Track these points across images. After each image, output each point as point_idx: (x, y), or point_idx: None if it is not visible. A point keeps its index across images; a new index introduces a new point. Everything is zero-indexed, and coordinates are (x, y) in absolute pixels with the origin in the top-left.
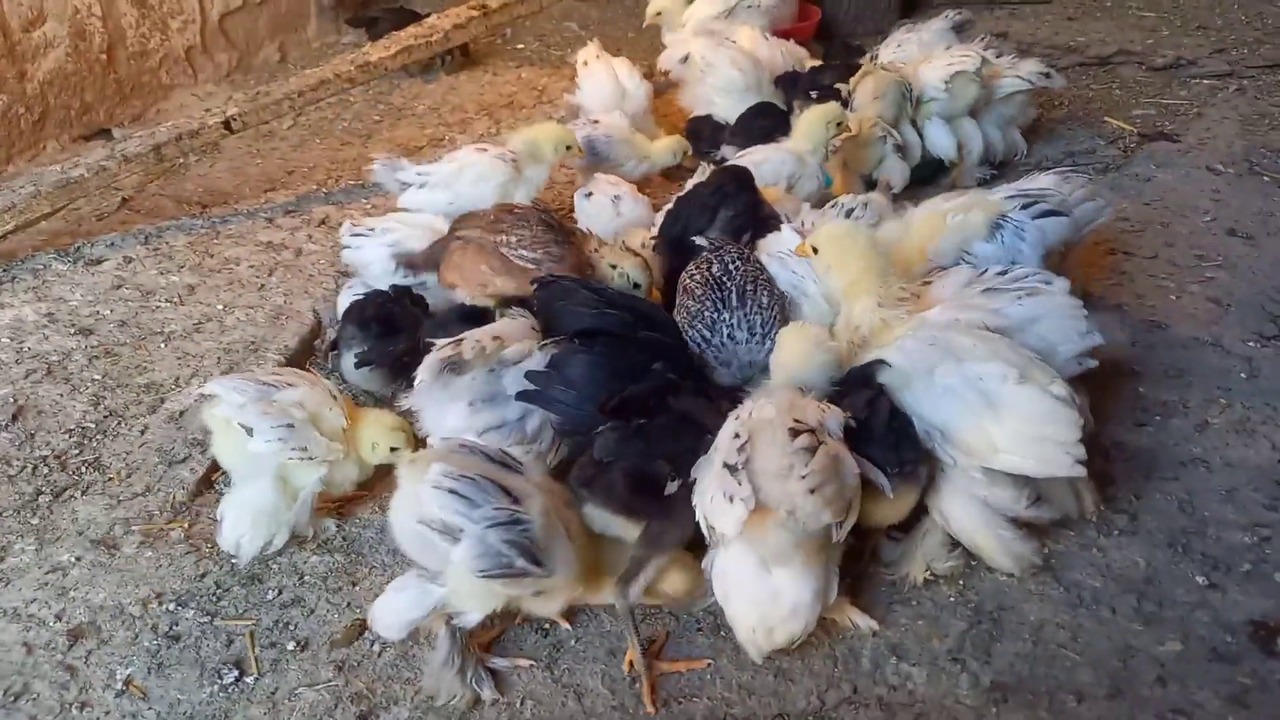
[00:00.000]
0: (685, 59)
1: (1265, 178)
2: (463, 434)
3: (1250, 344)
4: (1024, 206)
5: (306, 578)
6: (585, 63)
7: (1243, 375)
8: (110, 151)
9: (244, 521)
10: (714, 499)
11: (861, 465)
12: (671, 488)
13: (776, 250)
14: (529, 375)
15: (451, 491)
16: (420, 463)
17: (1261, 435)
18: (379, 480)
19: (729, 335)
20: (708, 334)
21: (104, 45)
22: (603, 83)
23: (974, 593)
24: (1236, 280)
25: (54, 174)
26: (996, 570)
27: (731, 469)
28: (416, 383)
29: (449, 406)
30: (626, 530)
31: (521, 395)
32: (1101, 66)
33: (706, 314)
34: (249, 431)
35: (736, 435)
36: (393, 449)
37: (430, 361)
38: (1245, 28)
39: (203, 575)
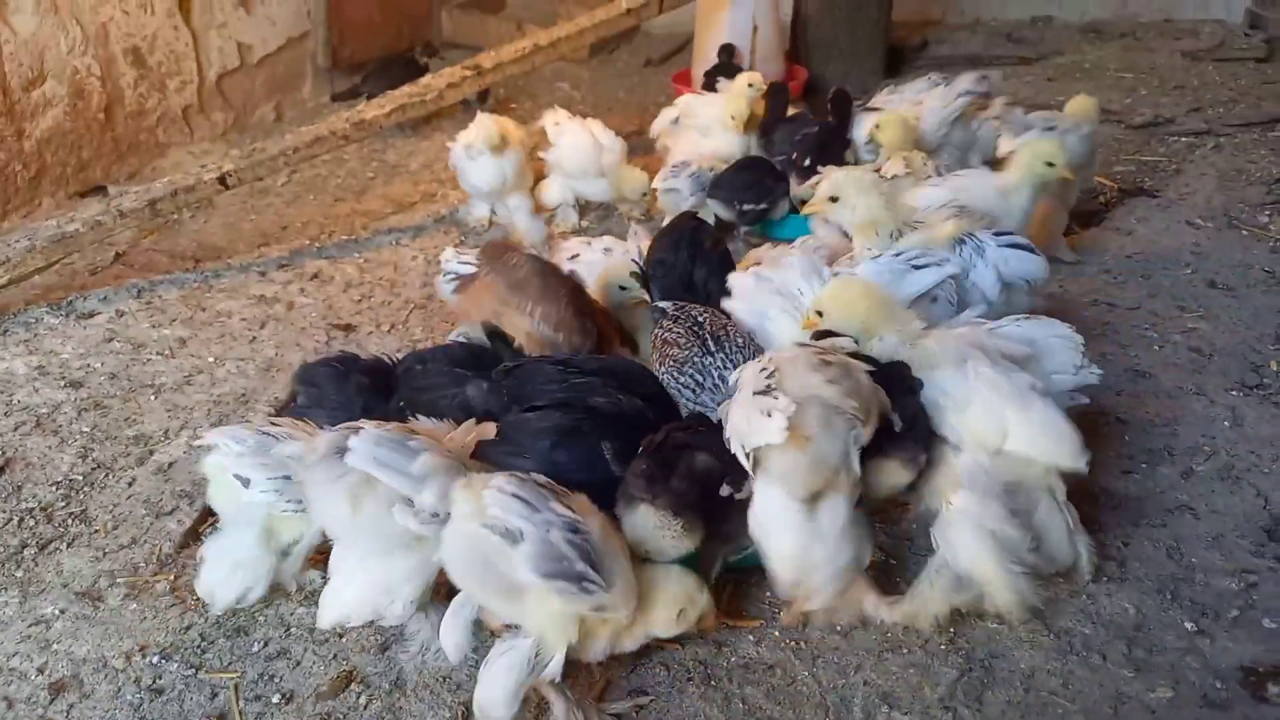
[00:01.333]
0: (676, 120)
1: (1244, 231)
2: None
3: (1234, 393)
4: (995, 234)
5: (293, 629)
6: (556, 123)
7: (1226, 424)
8: (106, 206)
9: (222, 569)
10: (750, 420)
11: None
12: (726, 490)
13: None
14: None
15: (514, 495)
16: (475, 482)
17: (1247, 483)
18: None
19: (719, 377)
20: (699, 378)
21: (102, 104)
22: (579, 139)
23: (965, 640)
24: (1218, 331)
25: (49, 229)
26: (988, 618)
27: (763, 392)
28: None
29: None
30: (673, 538)
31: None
32: None
33: (695, 359)
34: (244, 482)
35: (763, 369)
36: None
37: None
38: (1220, 88)
39: (187, 628)
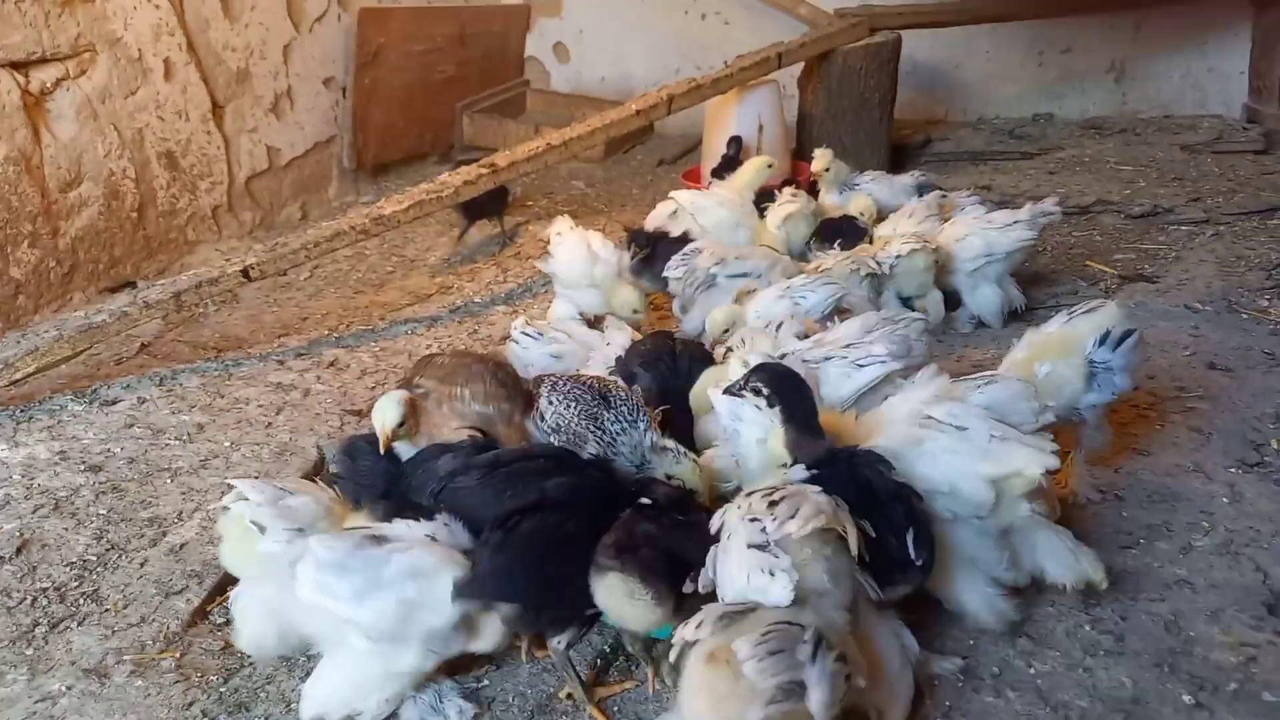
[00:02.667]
0: (674, 213)
1: (1244, 315)
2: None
3: (1233, 470)
4: None
5: (293, 705)
6: (558, 233)
7: (1225, 500)
8: (132, 298)
9: (254, 619)
10: (752, 579)
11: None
12: (689, 586)
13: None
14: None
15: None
16: (720, 656)
17: (1245, 557)
18: None
19: (619, 431)
20: (614, 438)
21: (135, 204)
22: (574, 251)
23: (962, 714)
24: (1218, 410)
25: (77, 319)
26: (984, 690)
27: (759, 547)
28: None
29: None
30: (644, 608)
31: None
32: (1082, 215)
33: (598, 422)
34: (260, 529)
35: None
36: None
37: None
38: (1219, 179)
39: (190, 704)
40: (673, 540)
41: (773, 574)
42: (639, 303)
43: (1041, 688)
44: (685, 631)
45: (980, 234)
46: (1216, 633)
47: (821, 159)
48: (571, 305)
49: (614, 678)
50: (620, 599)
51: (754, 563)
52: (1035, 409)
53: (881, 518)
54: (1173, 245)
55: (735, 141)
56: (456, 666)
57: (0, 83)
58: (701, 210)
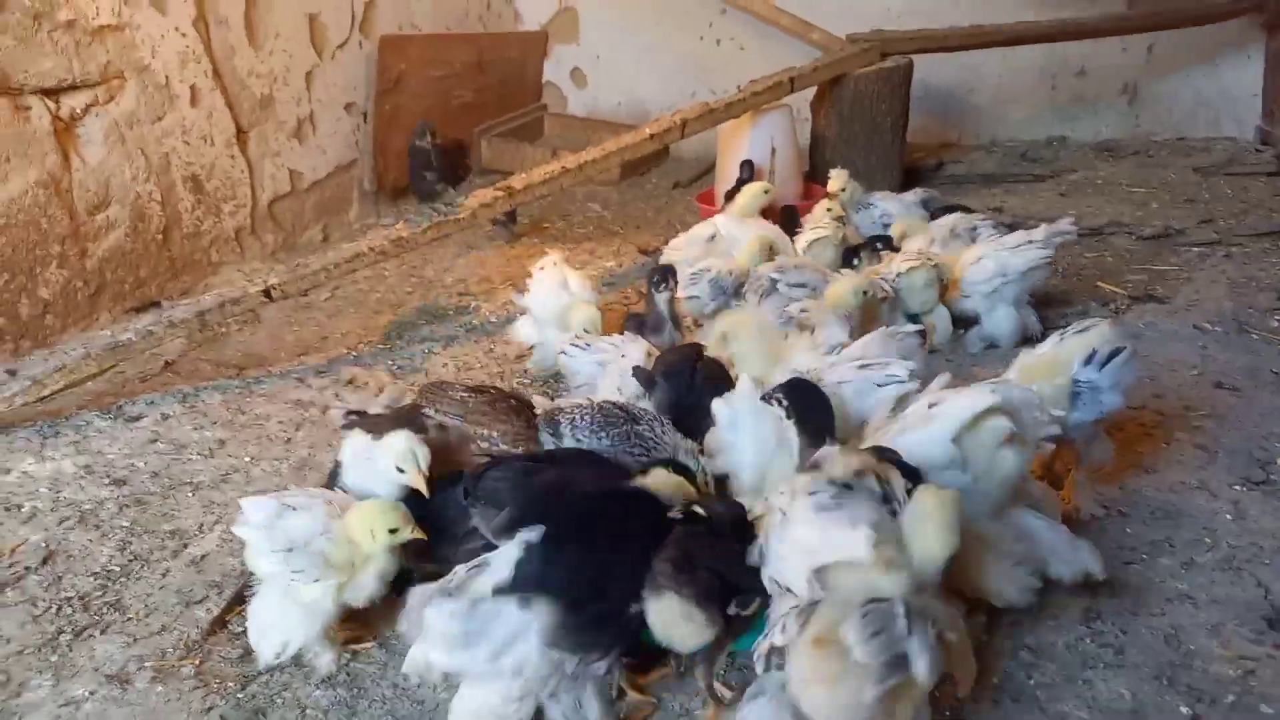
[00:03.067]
0: (713, 237)
1: (1254, 335)
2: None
3: (1237, 488)
4: None
5: (309, 711)
6: (541, 268)
7: (1229, 517)
8: (157, 317)
9: (258, 628)
10: (827, 534)
11: None
12: (733, 610)
13: None
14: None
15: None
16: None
17: (1247, 573)
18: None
19: (653, 436)
20: (651, 444)
21: (161, 226)
22: (549, 285)
23: None
24: (1224, 429)
25: (104, 338)
26: (984, 699)
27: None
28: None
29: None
30: (696, 629)
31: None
32: (1094, 237)
33: (633, 438)
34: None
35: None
36: (391, 531)
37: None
38: (1231, 200)
39: (209, 709)
40: (724, 560)
41: (853, 525)
42: (593, 322)
43: (1040, 699)
44: (774, 638)
45: (994, 255)
46: (1216, 646)
47: (837, 179)
48: (540, 332)
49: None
50: (675, 619)
51: (829, 521)
52: (1042, 418)
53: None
54: (1184, 266)
55: (747, 165)
56: None
57: (32, 109)
58: (733, 237)
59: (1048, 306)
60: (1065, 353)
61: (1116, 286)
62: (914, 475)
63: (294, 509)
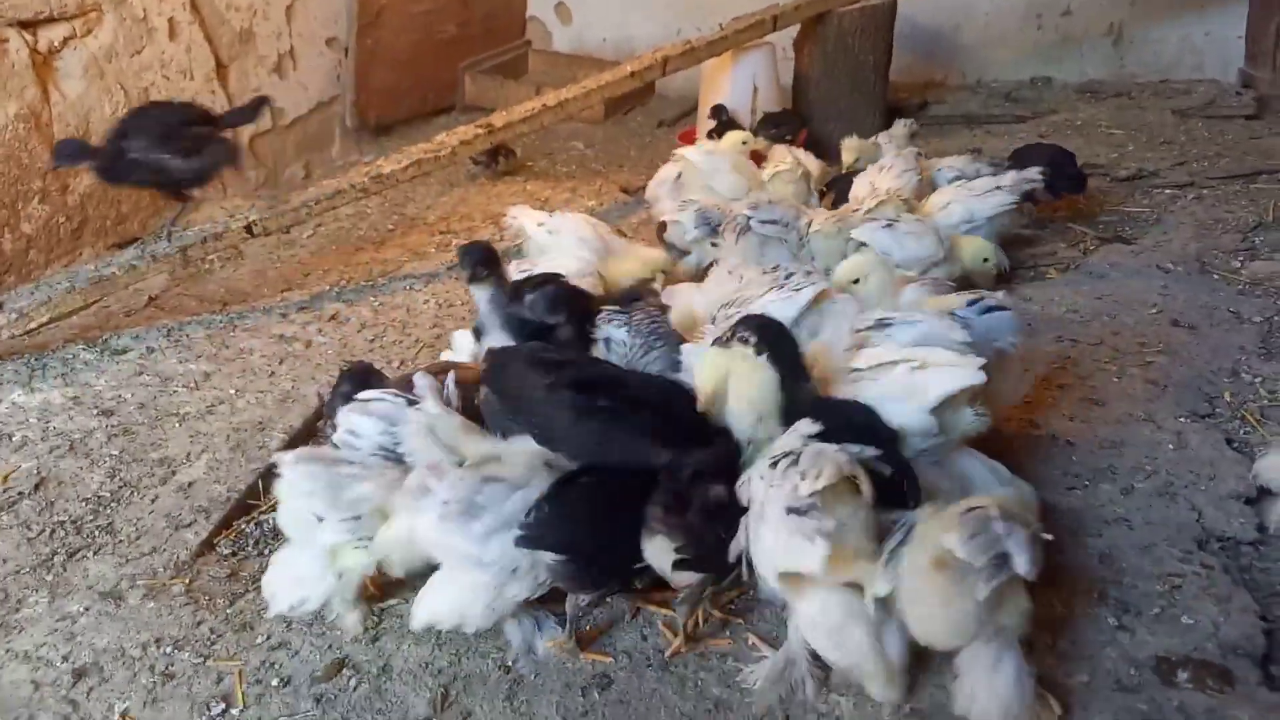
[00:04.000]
0: (679, 176)
1: (1215, 275)
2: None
3: (1182, 420)
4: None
5: (294, 625)
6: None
7: (1171, 447)
8: (140, 252)
9: (285, 578)
10: (788, 545)
11: None
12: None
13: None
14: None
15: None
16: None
17: (1183, 498)
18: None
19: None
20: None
21: None
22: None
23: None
24: (1176, 365)
25: (88, 272)
26: None
27: (799, 511)
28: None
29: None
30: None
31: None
32: None
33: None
34: (318, 519)
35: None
36: None
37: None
38: (1207, 143)
39: (199, 623)
40: (712, 504)
41: (810, 539)
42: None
43: None
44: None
45: (961, 201)
46: (1146, 564)
47: (850, 151)
48: None
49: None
50: (666, 561)
51: (792, 528)
52: (959, 339)
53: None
54: (1154, 208)
55: (720, 109)
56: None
57: (9, 41)
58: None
59: (1016, 247)
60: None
61: (1086, 228)
62: (891, 440)
63: (356, 475)
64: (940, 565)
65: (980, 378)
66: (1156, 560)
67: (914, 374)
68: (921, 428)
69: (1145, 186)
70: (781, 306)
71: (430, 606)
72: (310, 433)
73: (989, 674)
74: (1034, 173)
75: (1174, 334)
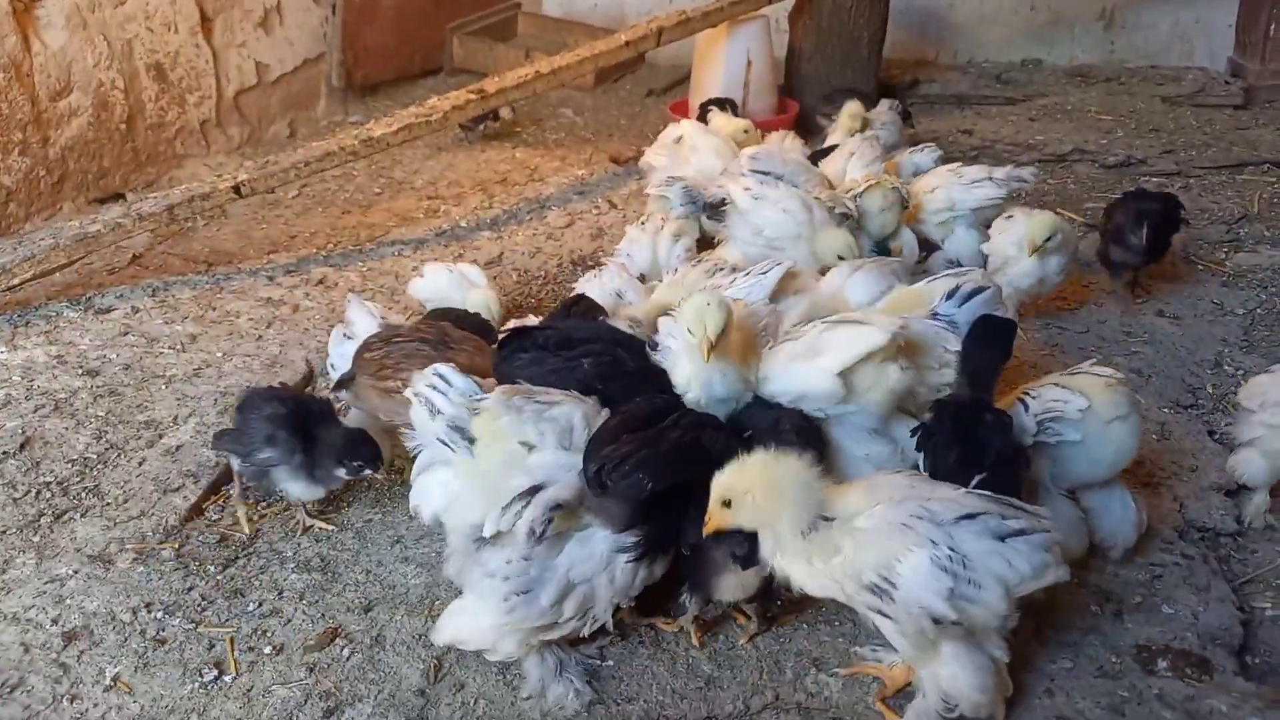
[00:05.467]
0: (679, 139)
1: (1199, 266)
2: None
3: (1166, 410)
4: None
5: (285, 593)
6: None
7: (1155, 437)
8: (126, 210)
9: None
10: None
11: None
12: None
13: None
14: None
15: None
16: None
17: (1165, 488)
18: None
19: None
20: None
21: (124, 116)
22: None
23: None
24: (1160, 355)
25: (72, 229)
26: None
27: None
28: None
29: None
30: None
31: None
32: (1058, 163)
33: None
34: (529, 447)
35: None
36: None
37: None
38: (1195, 131)
39: (189, 589)
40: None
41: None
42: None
43: None
44: None
45: (946, 189)
46: (1129, 554)
47: (853, 118)
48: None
49: None
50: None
51: None
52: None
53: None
54: None
55: (728, 103)
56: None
57: None
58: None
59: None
60: (932, 290)
61: (1074, 214)
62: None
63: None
64: None
65: (883, 339)
66: (1140, 549)
67: (822, 335)
68: (825, 391)
69: (1133, 174)
70: (752, 289)
71: (456, 628)
72: None
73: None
74: (1027, 173)
75: (1159, 325)
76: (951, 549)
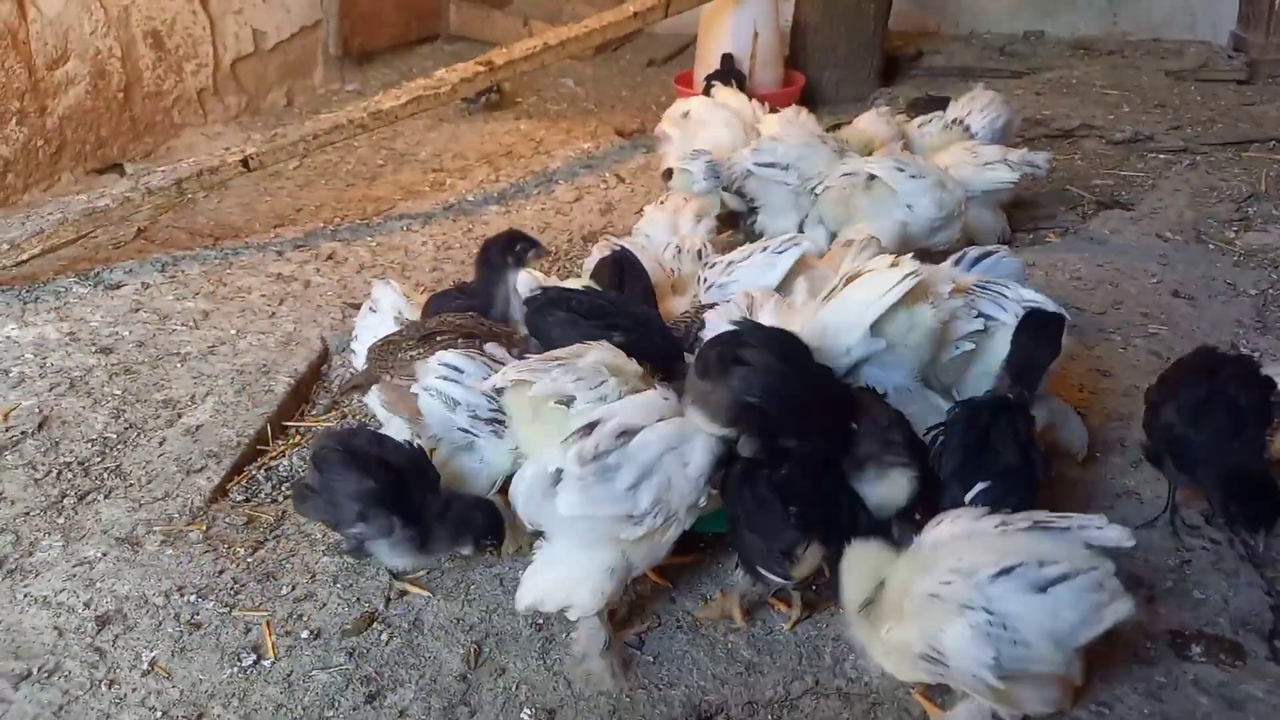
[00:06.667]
0: (686, 114)
1: (1210, 245)
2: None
3: None
4: None
5: (318, 576)
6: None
7: None
8: (134, 184)
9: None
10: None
11: None
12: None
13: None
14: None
15: None
16: None
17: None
18: None
19: None
20: None
21: (122, 84)
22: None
23: None
24: (1177, 337)
25: (80, 203)
26: None
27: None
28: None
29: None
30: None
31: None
32: (1065, 139)
33: None
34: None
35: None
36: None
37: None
38: (1200, 107)
39: (220, 572)
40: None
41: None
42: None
43: None
44: None
45: (958, 169)
46: (1156, 538)
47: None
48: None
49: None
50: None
51: None
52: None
53: None
54: (1150, 173)
55: (728, 58)
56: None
57: None
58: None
59: (1015, 209)
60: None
61: (1084, 190)
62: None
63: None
64: None
65: (909, 283)
66: (1166, 534)
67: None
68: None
69: (1141, 150)
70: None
71: (536, 588)
72: (315, 377)
73: None
74: (1040, 158)
75: (1175, 305)
76: (989, 611)
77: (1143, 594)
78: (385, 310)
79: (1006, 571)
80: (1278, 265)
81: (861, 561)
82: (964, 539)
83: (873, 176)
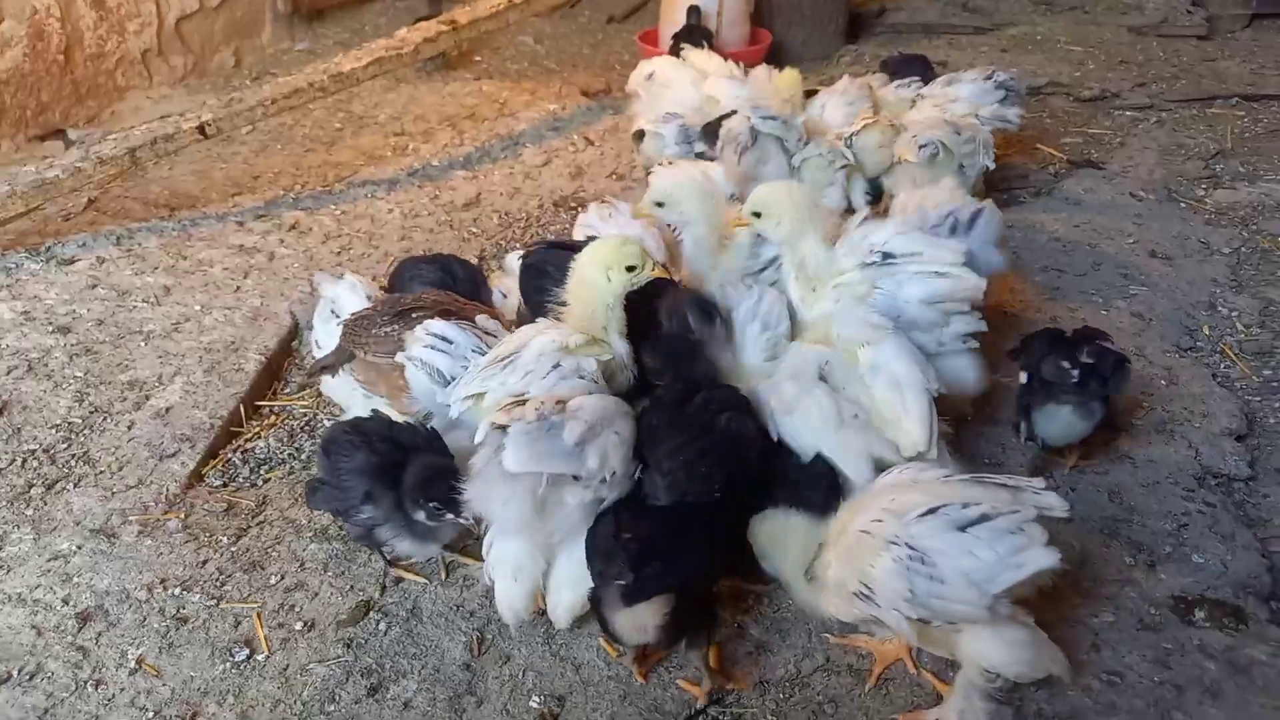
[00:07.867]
0: (650, 75)
1: (1182, 204)
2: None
3: (1169, 354)
4: None
5: (307, 565)
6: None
7: (1163, 382)
8: (84, 152)
9: None
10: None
11: None
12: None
13: None
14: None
15: None
16: None
17: (1179, 435)
18: None
19: None
20: None
21: (62, 46)
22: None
23: None
24: (1157, 297)
25: (29, 174)
26: None
27: None
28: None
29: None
30: None
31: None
32: (1033, 96)
33: None
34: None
35: None
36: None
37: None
38: (1163, 64)
39: (204, 563)
40: None
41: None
42: None
43: None
44: None
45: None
46: (1153, 503)
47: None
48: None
49: None
50: None
51: None
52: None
53: None
54: (1118, 131)
55: (694, 11)
56: None
57: None
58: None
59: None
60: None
61: (1055, 150)
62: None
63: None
64: None
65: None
66: (1161, 498)
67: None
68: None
69: (1108, 108)
70: None
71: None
72: (286, 353)
73: None
74: (1013, 114)
75: (1152, 265)
76: (911, 547)
77: (1144, 559)
78: (348, 313)
79: (932, 511)
80: (1248, 224)
81: (791, 538)
82: (906, 485)
83: None
